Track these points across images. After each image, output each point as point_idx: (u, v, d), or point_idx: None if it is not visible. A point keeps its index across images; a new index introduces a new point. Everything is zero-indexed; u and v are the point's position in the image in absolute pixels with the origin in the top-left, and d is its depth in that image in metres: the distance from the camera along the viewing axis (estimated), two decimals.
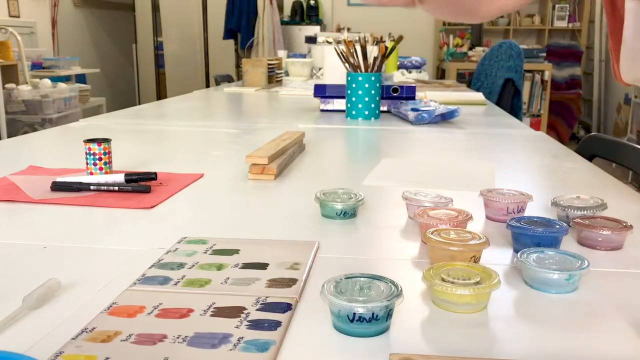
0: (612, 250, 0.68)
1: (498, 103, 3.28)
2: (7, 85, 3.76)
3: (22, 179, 0.97)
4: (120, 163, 1.05)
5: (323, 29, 5.98)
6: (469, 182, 0.68)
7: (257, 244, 0.69)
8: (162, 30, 6.36)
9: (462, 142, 1.51)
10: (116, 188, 0.91)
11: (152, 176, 0.94)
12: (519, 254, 0.59)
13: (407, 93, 1.91)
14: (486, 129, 1.71)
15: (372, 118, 1.78)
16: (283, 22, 5.97)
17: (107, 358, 0.44)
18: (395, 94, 1.90)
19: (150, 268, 0.61)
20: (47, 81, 3.96)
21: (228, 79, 4.07)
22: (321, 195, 0.81)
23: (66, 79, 4.62)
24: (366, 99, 1.76)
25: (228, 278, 0.59)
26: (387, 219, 0.81)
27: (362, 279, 0.51)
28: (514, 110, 3.41)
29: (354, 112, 1.79)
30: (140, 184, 0.92)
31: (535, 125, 5.28)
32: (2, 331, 0.48)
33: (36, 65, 4.61)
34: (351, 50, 1.74)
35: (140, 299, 0.54)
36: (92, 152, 0.95)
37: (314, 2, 6.09)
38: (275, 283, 0.58)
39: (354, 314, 0.47)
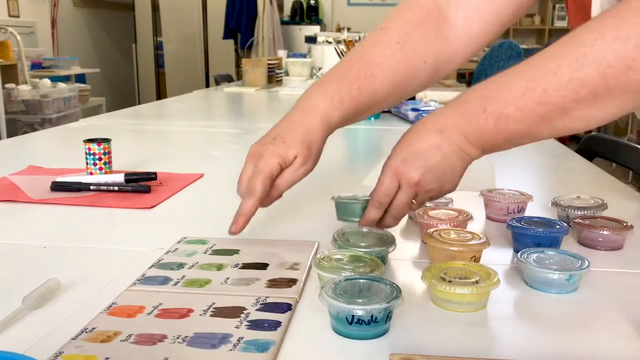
0: (612, 250, 0.68)
1: None
2: (7, 85, 3.75)
3: (22, 179, 0.97)
4: (120, 163, 1.05)
5: (323, 29, 5.97)
6: (469, 182, 0.69)
7: (257, 244, 0.69)
8: (161, 30, 6.35)
9: None
10: (116, 188, 0.90)
11: (152, 176, 0.94)
12: (519, 254, 0.59)
13: None
14: None
15: (372, 118, 1.78)
16: (283, 22, 5.96)
17: (107, 358, 0.44)
18: None
19: (150, 268, 0.61)
20: (47, 81, 3.96)
21: (228, 79, 4.07)
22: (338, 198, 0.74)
23: (66, 78, 4.61)
24: None
25: (228, 278, 0.59)
26: None
27: (362, 280, 0.51)
28: None
29: None
30: (140, 184, 0.92)
31: None
32: (2, 331, 0.48)
33: (36, 65, 4.61)
34: None
35: (140, 299, 0.54)
36: (92, 152, 0.95)
37: (314, 2, 6.09)
38: (275, 283, 0.58)
39: (353, 316, 0.47)
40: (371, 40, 0.75)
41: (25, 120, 3.83)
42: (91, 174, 0.96)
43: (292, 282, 0.58)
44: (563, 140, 5.92)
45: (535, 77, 0.56)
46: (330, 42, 3.48)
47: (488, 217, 0.80)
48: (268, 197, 0.67)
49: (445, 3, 0.74)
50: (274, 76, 3.00)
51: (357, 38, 2.04)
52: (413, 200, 0.65)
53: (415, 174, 0.62)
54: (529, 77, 0.56)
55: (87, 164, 0.96)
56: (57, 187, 0.91)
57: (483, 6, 0.74)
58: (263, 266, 0.62)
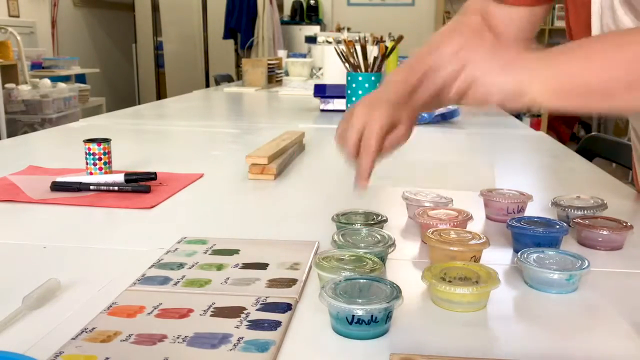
0: (612, 250, 0.68)
1: None
2: (7, 85, 3.76)
3: (22, 179, 0.97)
4: (120, 163, 1.05)
5: (323, 29, 5.97)
6: (469, 182, 0.69)
7: (257, 244, 0.69)
8: (161, 30, 6.35)
9: (462, 142, 1.51)
10: (116, 188, 0.91)
11: (152, 176, 0.94)
12: (519, 254, 0.59)
13: None
14: (486, 129, 1.71)
15: None
16: (283, 22, 5.96)
17: (107, 358, 0.44)
18: None
19: (150, 268, 0.61)
20: (47, 81, 3.96)
21: (228, 79, 4.07)
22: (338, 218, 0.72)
23: (66, 78, 4.61)
24: None
25: (228, 278, 0.59)
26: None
27: (362, 280, 0.51)
28: None
29: None
30: (140, 184, 0.92)
31: (536, 125, 5.28)
32: (2, 331, 0.48)
33: (36, 65, 4.61)
34: (351, 50, 1.74)
35: (140, 299, 0.54)
36: (91, 152, 0.95)
37: (314, 1, 6.09)
38: (275, 283, 0.58)
39: (353, 316, 0.47)
40: (457, 24, 0.87)
41: (25, 120, 3.83)
42: (91, 174, 0.96)
43: (292, 282, 0.58)
44: (563, 140, 5.88)
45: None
46: (330, 42, 3.48)
47: (488, 217, 0.80)
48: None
49: (483, 21, 0.87)
50: (274, 76, 3.00)
51: (357, 38, 2.03)
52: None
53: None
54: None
55: (87, 164, 0.96)
56: (57, 187, 0.91)
57: (507, 32, 0.86)
58: (263, 266, 0.62)
